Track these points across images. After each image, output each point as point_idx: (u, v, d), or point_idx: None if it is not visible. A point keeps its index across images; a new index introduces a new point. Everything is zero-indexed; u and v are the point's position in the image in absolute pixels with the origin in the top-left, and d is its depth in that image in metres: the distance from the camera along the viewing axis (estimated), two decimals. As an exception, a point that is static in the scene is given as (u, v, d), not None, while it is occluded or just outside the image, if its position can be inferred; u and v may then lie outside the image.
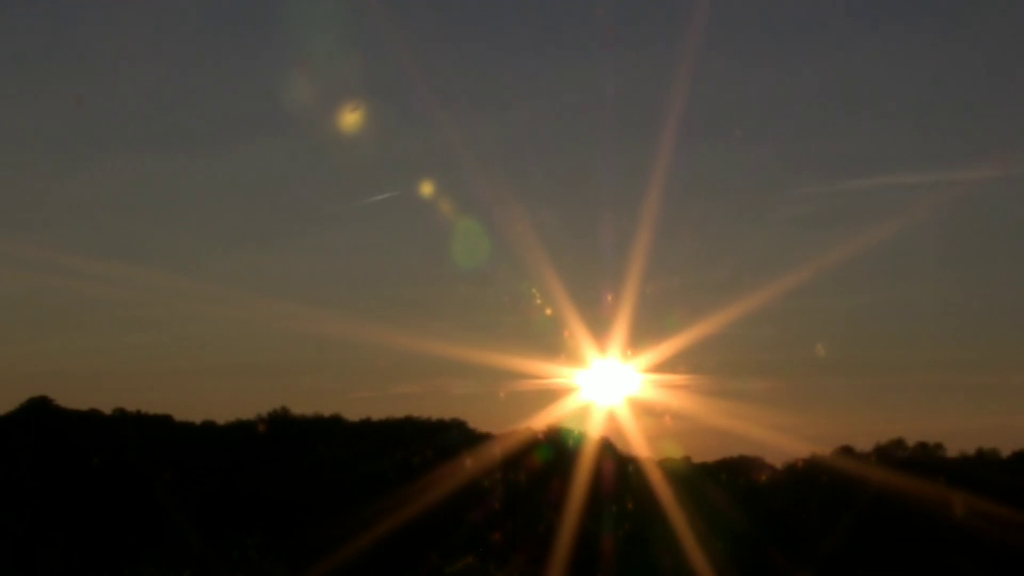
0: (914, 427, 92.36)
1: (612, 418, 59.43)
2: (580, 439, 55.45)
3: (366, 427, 71.42)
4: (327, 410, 72.50)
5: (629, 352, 51.43)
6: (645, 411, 58.97)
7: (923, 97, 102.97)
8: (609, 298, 49.72)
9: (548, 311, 51.83)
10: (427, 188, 59.29)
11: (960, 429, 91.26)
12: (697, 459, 67.87)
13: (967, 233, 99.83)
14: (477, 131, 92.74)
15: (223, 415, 79.36)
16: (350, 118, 57.03)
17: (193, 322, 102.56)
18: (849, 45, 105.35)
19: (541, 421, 66.97)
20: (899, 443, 73.22)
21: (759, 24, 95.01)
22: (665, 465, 55.51)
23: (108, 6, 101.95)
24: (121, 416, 65.50)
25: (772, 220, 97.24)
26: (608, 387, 55.29)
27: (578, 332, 52.36)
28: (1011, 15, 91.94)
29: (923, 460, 70.34)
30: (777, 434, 64.14)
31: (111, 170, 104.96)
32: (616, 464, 53.13)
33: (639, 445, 58.28)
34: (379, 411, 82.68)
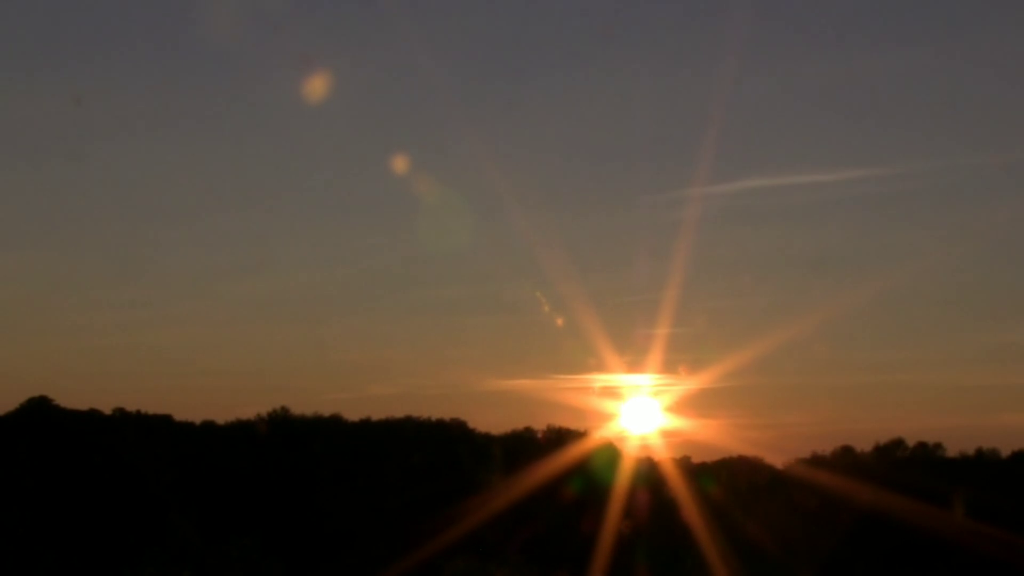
0: (914, 427, 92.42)
1: (613, 417, 59.67)
2: (607, 458, 55.50)
3: (366, 427, 71.23)
4: (327, 410, 72.34)
5: (629, 355, 51.70)
6: (645, 411, 59.24)
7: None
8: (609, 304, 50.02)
9: (559, 320, 52.27)
10: (461, 206, 59.72)
11: (960, 429, 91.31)
12: (697, 459, 68.04)
13: (966, 232, 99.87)
14: (498, 141, 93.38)
15: (223, 415, 79.20)
16: (326, 103, 57.21)
17: (193, 322, 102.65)
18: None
19: (542, 423, 67.20)
20: (899, 443, 73.22)
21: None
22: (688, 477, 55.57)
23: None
24: (121, 416, 65.30)
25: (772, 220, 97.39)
26: (609, 389, 55.48)
27: (578, 335, 52.61)
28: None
29: (923, 460, 70.32)
30: (777, 433, 64.22)
31: (110, 172, 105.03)
32: (631, 475, 53.10)
33: (643, 446, 58.54)
34: (379, 411, 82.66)
